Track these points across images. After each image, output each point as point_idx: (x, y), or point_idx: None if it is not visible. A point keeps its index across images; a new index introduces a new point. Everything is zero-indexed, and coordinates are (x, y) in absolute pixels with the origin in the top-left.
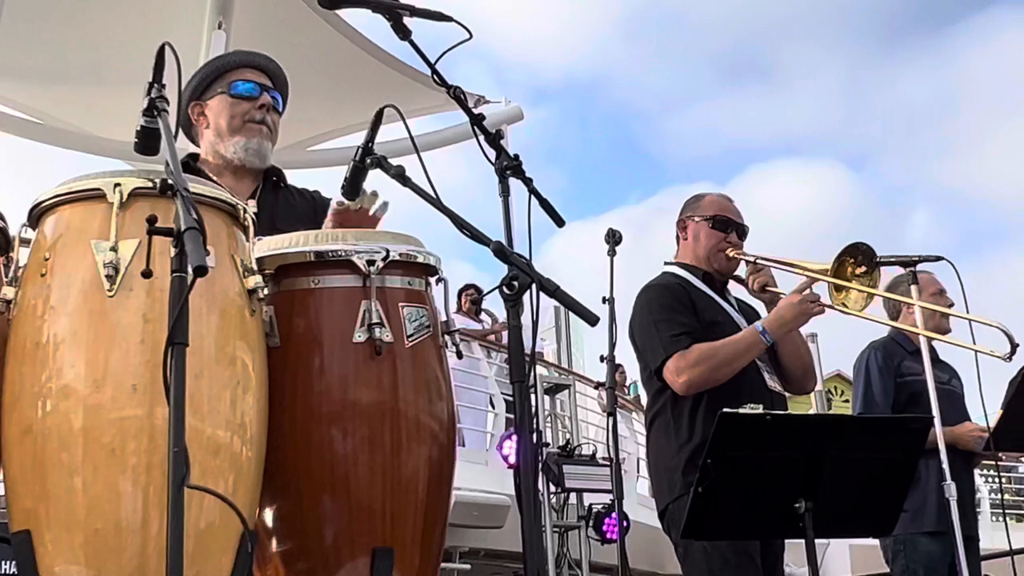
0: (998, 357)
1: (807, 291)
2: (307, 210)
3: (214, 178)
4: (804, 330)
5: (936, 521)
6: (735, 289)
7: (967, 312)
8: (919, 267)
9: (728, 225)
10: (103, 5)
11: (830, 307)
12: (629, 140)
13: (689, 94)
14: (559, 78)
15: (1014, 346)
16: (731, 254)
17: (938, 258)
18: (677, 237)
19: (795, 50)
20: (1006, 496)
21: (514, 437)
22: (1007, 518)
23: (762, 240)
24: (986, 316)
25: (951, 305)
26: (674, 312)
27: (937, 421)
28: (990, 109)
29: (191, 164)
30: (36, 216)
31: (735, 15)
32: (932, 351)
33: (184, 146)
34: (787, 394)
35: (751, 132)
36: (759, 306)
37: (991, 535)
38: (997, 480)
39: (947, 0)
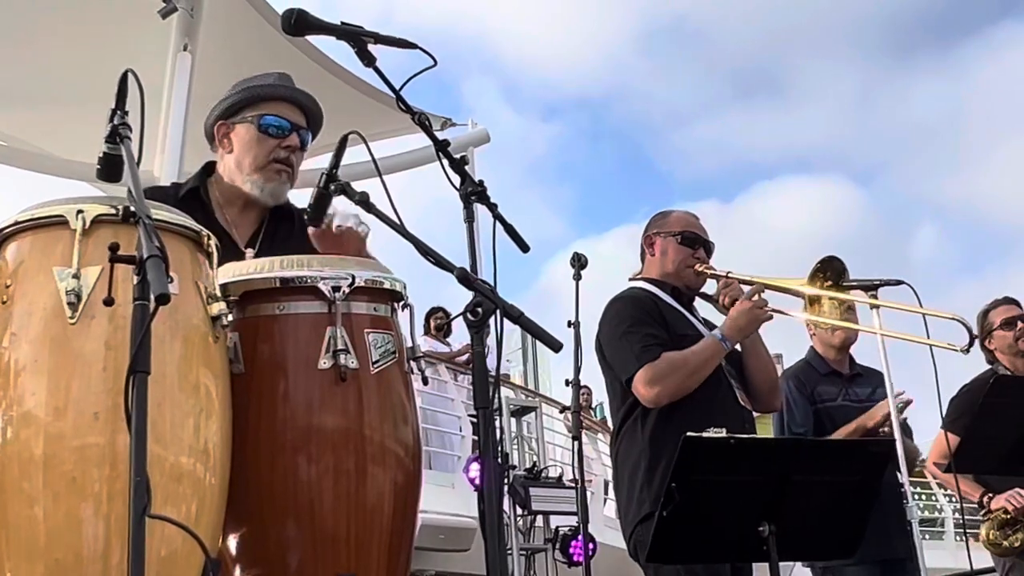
0: (956, 350)
1: (756, 297)
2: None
3: (219, 201)
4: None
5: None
6: (701, 307)
7: (927, 333)
8: (880, 291)
9: (696, 241)
10: (68, 26)
11: (778, 312)
12: (639, 156)
13: (700, 109)
14: (573, 93)
15: (972, 337)
16: (699, 269)
17: (899, 282)
18: (643, 254)
19: (808, 65)
20: (972, 516)
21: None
22: (968, 538)
23: (763, 256)
24: (942, 310)
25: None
26: (643, 324)
27: (899, 445)
28: (1000, 123)
29: (204, 177)
30: None
31: (750, 32)
32: (851, 365)
33: (149, 170)
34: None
35: (760, 147)
36: None
37: (955, 555)
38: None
39: (960, 13)
